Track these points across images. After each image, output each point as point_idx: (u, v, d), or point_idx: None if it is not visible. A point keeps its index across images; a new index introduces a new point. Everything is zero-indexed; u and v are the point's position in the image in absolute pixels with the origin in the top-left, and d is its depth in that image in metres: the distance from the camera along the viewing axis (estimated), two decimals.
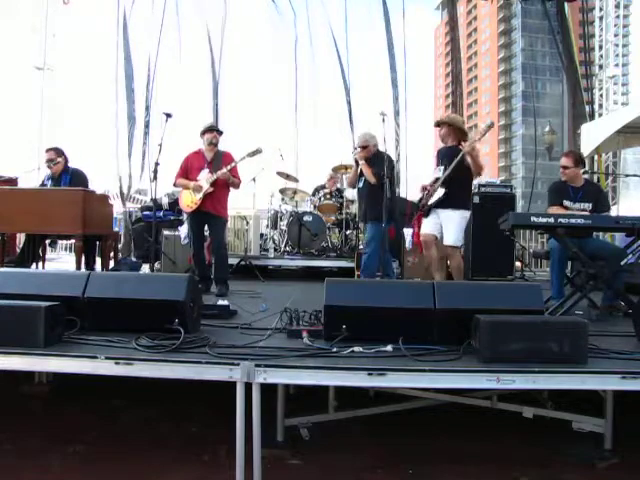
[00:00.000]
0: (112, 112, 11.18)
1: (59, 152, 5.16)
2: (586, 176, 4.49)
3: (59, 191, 4.82)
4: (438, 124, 4.67)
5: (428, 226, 4.58)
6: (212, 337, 2.69)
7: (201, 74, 12.28)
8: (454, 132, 4.57)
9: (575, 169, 4.21)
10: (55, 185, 5.06)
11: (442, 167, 4.51)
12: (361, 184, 5.14)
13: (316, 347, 2.59)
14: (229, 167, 4.62)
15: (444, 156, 4.55)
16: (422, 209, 4.61)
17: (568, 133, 11.11)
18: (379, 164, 4.93)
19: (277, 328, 3.03)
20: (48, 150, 5.18)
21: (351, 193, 7.06)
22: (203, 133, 4.84)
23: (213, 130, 4.84)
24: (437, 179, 4.52)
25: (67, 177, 5.10)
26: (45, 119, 13.10)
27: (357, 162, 5.09)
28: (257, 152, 4.82)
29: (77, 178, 5.14)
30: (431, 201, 4.52)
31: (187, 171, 4.82)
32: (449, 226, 4.45)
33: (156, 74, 10.98)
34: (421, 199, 4.71)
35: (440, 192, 4.41)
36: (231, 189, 4.91)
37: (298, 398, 2.99)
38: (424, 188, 4.65)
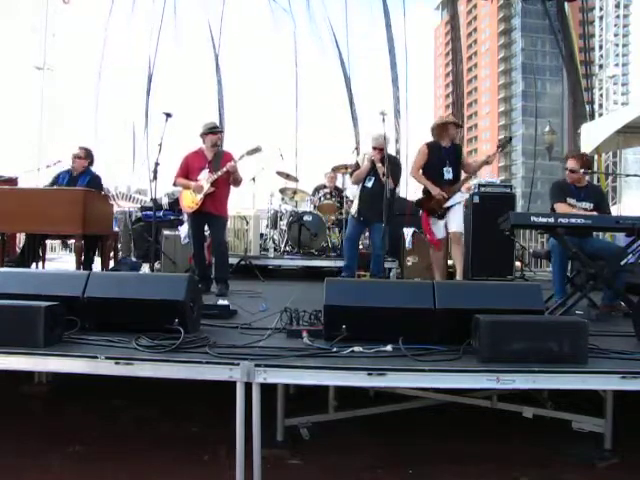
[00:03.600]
0: (112, 113, 11.21)
1: (87, 153, 5.30)
2: (586, 177, 4.49)
3: (59, 191, 4.82)
4: (458, 125, 5.10)
5: (442, 229, 4.93)
6: (212, 337, 2.69)
7: (200, 74, 12.30)
8: (447, 131, 4.91)
9: (580, 173, 4.23)
10: (71, 184, 5.10)
11: (450, 168, 4.80)
12: (370, 183, 5.22)
13: (316, 347, 2.58)
14: (228, 167, 4.61)
15: (450, 158, 4.86)
16: (439, 212, 4.86)
17: (568, 133, 11.12)
18: (394, 169, 5.22)
19: (277, 328, 3.03)
20: (81, 148, 5.30)
21: (351, 192, 7.05)
22: (206, 134, 4.79)
23: (217, 132, 4.82)
24: (448, 180, 4.82)
25: (86, 179, 5.18)
26: (45, 119, 13.12)
27: (372, 162, 5.17)
28: (257, 150, 4.78)
29: (94, 182, 5.22)
30: (450, 203, 4.80)
31: (187, 171, 4.81)
32: (457, 215, 4.84)
33: (156, 74, 11.04)
34: (425, 201, 4.90)
35: (464, 196, 4.89)
36: (231, 188, 4.90)
37: (298, 398, 2.98)
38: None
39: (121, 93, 12.01)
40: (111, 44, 11.47)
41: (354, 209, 5.38)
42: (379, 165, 5.10)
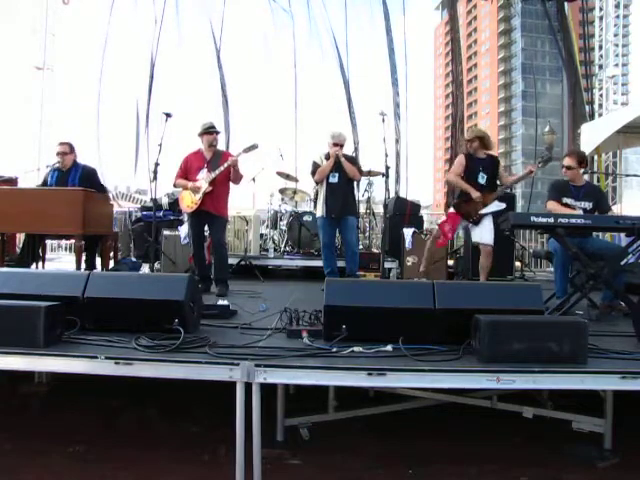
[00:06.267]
0: (112, 112, 11.22)
1: (71, 147, 5.14)
2: (586, 176, 4.49)
3: (59, 191, 4.81)
4: (471, 140, 5.02)
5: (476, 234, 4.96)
6: (212, 337, 2.69)
7: (203, 74, 12.31)
8: (483, 144, 4.97)
9: (577, 169, 4.27)
10: (62, 179, 5.02)
11: (485, 175, 4.88)
12: (335, 179, 5.26)
13: (316, 347, 2.59)
14: (229, 162, 4.61)
15: (484, 166, 4.92)
16: (474, 218, 4.88)
17: (568, 133, 11.11)
18: (356, 163, 5.49)
19: (277, 328, 3.03)
20: (62, 143, 5.13)
21: None
22: (202, 134, 4.81)
23: (212, 132, 4.82)
24: (482, 185, 4.88)
25: (77, 172, 5.05)
26: (45, 119, 13.12)
27: (336, 158, 5.21)
28: (253, 147, 4.79)
29: (88, 174, 5.12)
30: (486, 210, 4.84)
31: (186, 172, 4.82)
32: (489, 226, 4.86)
33: (158, 73, 11.04)
34: (464, 205, 4.92)
35: (501, 205, 4.85)
36: (231, 187, 4.89)
37: (298, 398, 2.99)
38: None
39: (123, 92, 12.02)
40: (112, 43, 11.48)
41: (322, 209, 5.29)
42: (343, 160, 5.21)
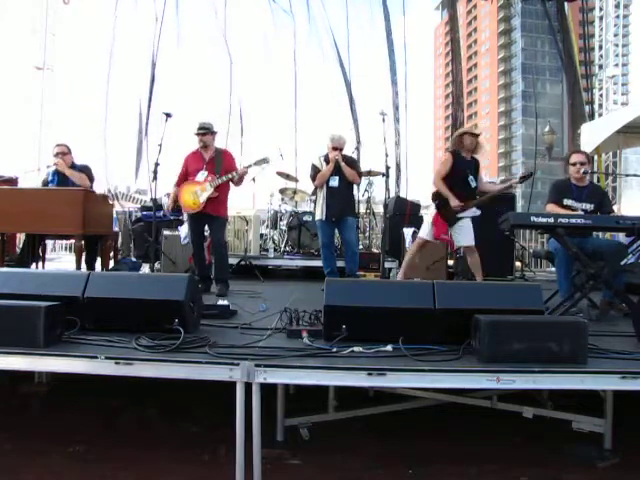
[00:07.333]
0: (114, 112, 11.24)
1: (69, 148, 5.16)
2: (587, 176, 4.48)
3: (59, 191, 4.81)
4: (476, 135, 4.88)
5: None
6: (212, 337, 2.69)
7: (202, 74, 12.31)
8: (478, 146, 4.88)
9: (588, 166, 4.26)
10: (62, 180, 5.02)
11: (473, 177, 4.77)
12: (336, 183, 5.24)
13: (316, 347, 2.59)
14: (235, 175, 4.65)
15: (471, 169, 4.80)
16: (451, 219, 4.76)
17: (568, 133, 11.13)
18: (356, 166, 5.51)
19: (277, 328, 3.03)
20: (60, 144, 5.12)
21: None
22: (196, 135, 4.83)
23: (198, 134, 4.75)
24: (474, 188, 4.78)
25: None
26: (45, 119, 13.12)
27: (335, 162, 5.18)
28: (264, 161, 4.81)
29: (87, 173, 5.11)
30: (465, 214, 4.75)
31: (187, 172, 4.82)
32: (465, 230, 4.76)
33: (158, 74, 11.05)
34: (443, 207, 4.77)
35: (477, 212, 4.75)
36: (231, 188, 4.89)
37: (298, 398, 2.99)
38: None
39: (124, 92, 12.04)
40: (115, 43, 11.50)
41: (321, 212, 5.26)
42: (343, 164, 5.19)
